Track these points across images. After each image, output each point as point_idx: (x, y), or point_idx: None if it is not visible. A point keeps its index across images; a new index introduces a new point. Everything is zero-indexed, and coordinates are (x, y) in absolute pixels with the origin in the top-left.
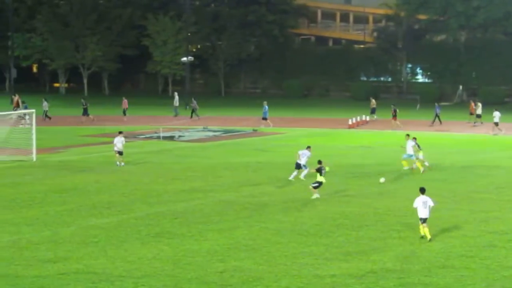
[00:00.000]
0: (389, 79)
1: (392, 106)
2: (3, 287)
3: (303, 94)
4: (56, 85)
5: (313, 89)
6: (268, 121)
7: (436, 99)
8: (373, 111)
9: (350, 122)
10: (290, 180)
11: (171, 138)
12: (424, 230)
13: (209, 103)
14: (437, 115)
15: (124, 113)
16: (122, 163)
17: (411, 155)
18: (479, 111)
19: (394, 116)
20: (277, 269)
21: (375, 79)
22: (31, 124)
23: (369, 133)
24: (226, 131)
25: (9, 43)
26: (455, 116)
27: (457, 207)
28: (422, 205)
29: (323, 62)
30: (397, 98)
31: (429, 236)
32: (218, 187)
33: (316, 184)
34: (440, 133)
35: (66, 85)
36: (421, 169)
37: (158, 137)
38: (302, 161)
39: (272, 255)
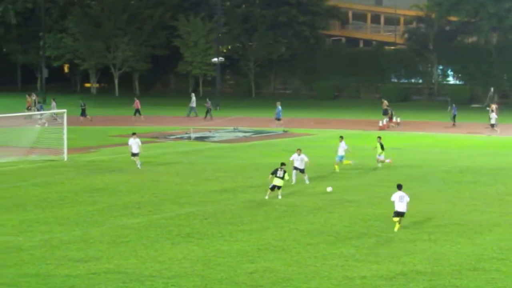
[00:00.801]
0: (420, 81)
1: (388, 108)
2: (35, 286)
3: (334, 95)
4: (87, 85)
5: (343, 90)
6: (281, 121)
7: (449, 101)
8: (385, 113)
9: (380, 124)
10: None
11: (202, 138)
12: (396, 223)
13: (239, 104)
14: (454, 116)
15: (135, 114)
16: (138, 164)
17: (342, 157)
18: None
19: (390, 118)
20: (307, 270)
21: (406, 81)
22: (63, 124)
23: (399, 134)
24: (256, 132)
25: (41, 43)
26: (486, 118)
27: (488, 210)
28: (399, 200)
29: (353, 64)
30: (428, 100)
31: (396, 229)
32: (248, 188)
33: (271, 186)
34: (472, 135)
35: (97, 85)
36: (379, 164)
37: (189, 138)
38: (301, 165)
39: (302, 256)
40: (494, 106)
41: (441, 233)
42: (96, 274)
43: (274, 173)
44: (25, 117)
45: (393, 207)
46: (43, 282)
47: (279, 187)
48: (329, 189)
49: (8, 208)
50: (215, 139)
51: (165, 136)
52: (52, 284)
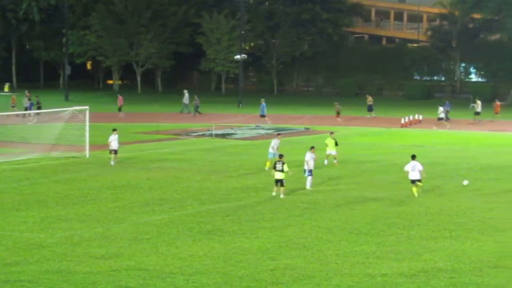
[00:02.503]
0: (443, 78)
1: (336, 104)
2: (56, 282)
3: (356, 92)
4: (110, 82)
5: (366, 87)
6: (266, 118)
7: (445, 99)
8: (370, 109)
9: (403, 121)
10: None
11: (224, 136)
12: (413, 189)
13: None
14: (447, 112)
15: (119, 110)
16: (112, 162)
17: (274, 154)
18: (478, 108)
19: (338, 114)
20: (328, 267)
21: (429, 78)
22: (85, 121)
23: (422, 132)
24: (278, 129)
25: (64, 40)
26: (510, 116)
27: (510, 207)
28: (411, 169)
29: (376, 61)
30: (451, 97)
31: (416, 195)
32: (271, 185)
33: (275, 180)
34: (495, 132)
35: (120, 82)
36: (335, 161)
37: (211, 135)
38: (306, 166)
39: (323, 253)
40: (479, 102)
41: (462, 230)
42: (117, 271)
43: (274, 167)
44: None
45: (407, 176)
46: (64, 279)
47: (281, 182)
48: (465, 182)
49: (30, 205)
50: (237, 136)
51: (187, 133)
52: (73, 280)
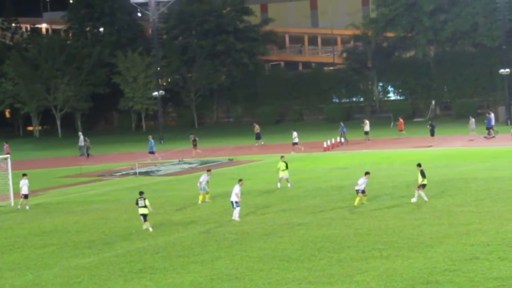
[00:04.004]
0: (361, 99)
1: (191, 136)
2: None
3: (277, 120)
4: (30, 128)
5: (286, 114)
6: (155, 155)
7: (342, 119)
8: (258, 137)
9: (325, 145)
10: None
11: (148, 173)
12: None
13: (182, 135)
14: (342, 134)
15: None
16: (27, 207)
17: (204, 188)
18: (367, 128)
19: (195, 146)
20: None
21: (347, 100)
22: (7, 169)
23: (344, 154)
24: (202, 163)
25: None
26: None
27: (437, 222)
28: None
29: (294, 87)
30: (370, 117)
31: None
32: (198, 218)
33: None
34: (416, 149)
35: (39, 127)
36: (288, 184)
37: (135, 173)
38: (235, 198)
39: (255, 283)
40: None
41: (392, 249)
42: None
43: (136, 203)
44: None
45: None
46: None
47: (144, 216)
48: (413, 200)
49: None
50: (161, 172)
51: (111, 174)
52: None
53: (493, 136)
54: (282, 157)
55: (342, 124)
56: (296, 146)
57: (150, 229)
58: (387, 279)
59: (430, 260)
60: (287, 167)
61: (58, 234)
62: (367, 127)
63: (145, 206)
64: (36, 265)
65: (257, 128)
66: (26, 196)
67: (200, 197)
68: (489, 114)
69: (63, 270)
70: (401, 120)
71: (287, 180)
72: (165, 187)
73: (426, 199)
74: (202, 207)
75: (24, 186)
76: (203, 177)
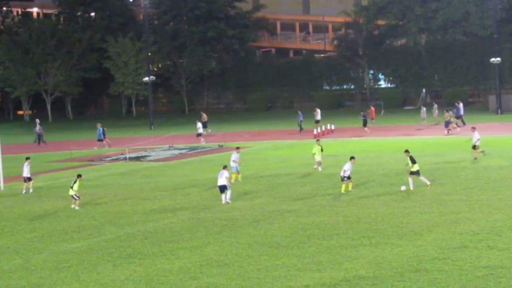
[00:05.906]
0: (352, 87)
1: (99, 125)
2: None
3: (267, 106)
4: (20, 112)
5: (276, 101)
6: (104, 142)
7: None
8: (205, 125)
9: (315, 132)
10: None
11: (138, 158)
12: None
13: (173, 121)
14: (300, 123)
15: None
16: (30, 190)
17: (236, 167)
18: (318, 117)
19: (104, 136)
20: (250, 283)
21: (338, 87)
22: None
23: (334, 142)
24: (192, 149)
25: None
26: (419, 120)
27: (427, 210)
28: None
29: (285, 74)
30: (361, 105)
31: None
32: (187, 204)
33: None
34: (406, 137)
35: (30, 112)
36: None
37: (125, 159)
38: (224, 181)
39: (244, 269)
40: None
41: (381, 236)
42: None
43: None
44: None
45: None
46: None
47: (73, 196)
48: (403, 188)
49: None
50: (151, 158)
51: (101, 159)
52: None
53: (460, 126)
54: (317, 140)
55: (299, 112)
56: (199, 137)
57: (76, 207)
58: (376, 266)
59: (419, 248)
60: (322, 150)
61: (48, 219)
62: (318, 116)
63: (72, 187)
64: (25, 249)
65: (204, 117)
66: (28, 179)
67: (234, 176)
68: (458, 103)
69: (52, 254)
70: (372, 108)
71: (319, 163)
72: (155, 172)
73: (428, 182)
74: (192, 193)
75: (26, 168)
76: (234, 156)
